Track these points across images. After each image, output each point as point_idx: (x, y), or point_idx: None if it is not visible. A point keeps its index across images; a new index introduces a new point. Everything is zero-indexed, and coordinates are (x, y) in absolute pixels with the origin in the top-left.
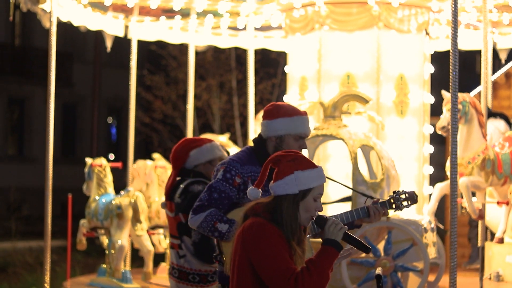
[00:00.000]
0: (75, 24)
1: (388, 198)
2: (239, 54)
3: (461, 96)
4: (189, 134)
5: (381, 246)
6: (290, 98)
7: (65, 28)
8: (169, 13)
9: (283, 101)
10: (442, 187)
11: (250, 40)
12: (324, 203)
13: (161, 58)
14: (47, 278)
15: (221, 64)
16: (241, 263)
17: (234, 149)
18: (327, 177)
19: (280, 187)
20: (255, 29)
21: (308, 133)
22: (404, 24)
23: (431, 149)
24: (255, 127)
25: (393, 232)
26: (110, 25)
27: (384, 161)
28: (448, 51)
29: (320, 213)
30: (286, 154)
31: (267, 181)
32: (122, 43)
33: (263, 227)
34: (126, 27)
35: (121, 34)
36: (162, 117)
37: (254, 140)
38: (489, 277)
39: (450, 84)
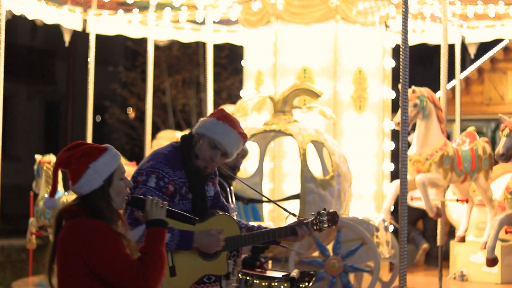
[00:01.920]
0: (30, 17)
1: (312, 219)
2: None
3: (419, 90)
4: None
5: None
6: (246, 93)
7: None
8: (125, 6)
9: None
10: (398, 184)
11: (209, 34)
12: (277, 200)
13: (137, 55)
14: None
15: (190, 59)
16: (74, 269)
17: None
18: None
19: (84, 186)
20: (217, 23)
21: (228, 150)
22: (363, 17)
23: (392, 145)
24: None
25: (342, 231)
26: (68, 19)
27: (334, 158)
28: (417, 45)
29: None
30: (72, 152)
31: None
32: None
33: (90, 224)
34: (84, 21)
35: (79, 28)
36: (139, 114)
37: (182, 138)
38: (453, 276)
39: (401, 78)
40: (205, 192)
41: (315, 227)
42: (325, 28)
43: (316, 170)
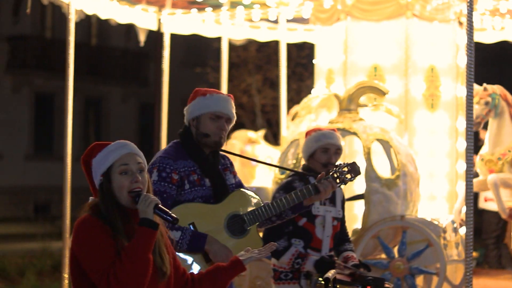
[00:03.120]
0: (102, 17)
1: (331, 172)
2: (288, 48)
3: (491, 88)
4: None
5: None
6: (317, 91)
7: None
8: (196, 4)
9: None
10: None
11: (283, 33)
12: None
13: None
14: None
15: (269, 59)
16: (70, 260)
17: (263, 146)
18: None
19: (93, 183)
20: (292, 21)
21: (227, 113)
22: (435, 13)
23: (465, 144)
24: (287, 123)
25: (408, 232)
26: (142, 19)
27: (400, 157)
28: (498, 43)
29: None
30: (87, 152)
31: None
32: (198, 42)
33: (84, 221)
34: (159, 20)
35: (154, 27)
36: None
37: (179, 133)
38: None
39: (466, 76)
40: (222, 175)
41: (338, 180)
42: (396, 25)
43: (384, 170)
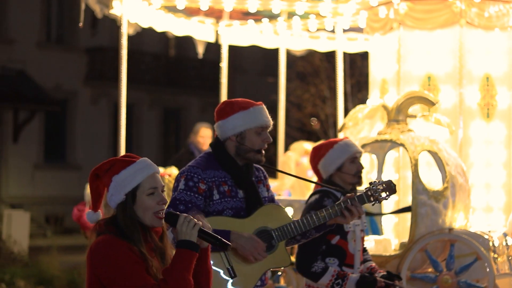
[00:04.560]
0: (158, 30)
1: (365, 190)
2: (353, 58)
3: None
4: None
5: None
6: (372, 102)
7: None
8: (251, 16)
9: None
10: None
11: (340, 43)
12: (381, 214)
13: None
14: None
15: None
16: (91, 284)
17: None
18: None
19: (111, 199)
20: (350, 30)
21: (269, 123)
22: (489, 21)
23: None
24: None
25: (456, 246)
26: (199, 31)
27: (449, 168)
28: None
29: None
30: (102, 165)
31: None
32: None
33: (109, 243)
34: (216, 32)
35: (212, 39)
36: (299, 125)
37: (211, 145)
38: None
39: None
40: (255, 187)
41: (371, 199)
42: (450, 33)
43: (436, 182)
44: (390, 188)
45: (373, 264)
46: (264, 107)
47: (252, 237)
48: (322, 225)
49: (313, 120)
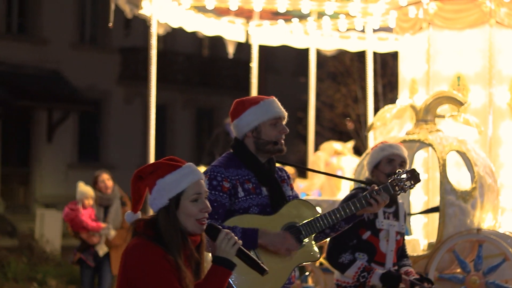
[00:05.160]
0: (188, 30)
1: (390, 180)
2: (384, 58)
3: None
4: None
5: None
6: (401, 102)
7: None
8: (280, 15)
9: None
10: None
11: (370, 43)
12: (410, 214)
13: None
14: None
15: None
16: (121, 286)
17: (348, 158)
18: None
19: (153, 203)
20: (380, 30)
21: (283, 114)
22: None
23: None
24: (374, 134)
25: (484, 246)
26: (229, 31)
27: (477, 169)
28: None
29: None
30: (146, 167)
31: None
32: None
33: (145, 249)
34: (247, 32)
35: (242, 39)
36: (331, 125)
37: (232, 146)
38: None
39: None
40: (279, 183)
41: (397, 188)
42: (479, 33)
43: (465, 182)
44: (414, 176)
45: (410, 269)
46: (276, 99)
47: (280, 232)
48: (351, 216)
49: (347, 120)
